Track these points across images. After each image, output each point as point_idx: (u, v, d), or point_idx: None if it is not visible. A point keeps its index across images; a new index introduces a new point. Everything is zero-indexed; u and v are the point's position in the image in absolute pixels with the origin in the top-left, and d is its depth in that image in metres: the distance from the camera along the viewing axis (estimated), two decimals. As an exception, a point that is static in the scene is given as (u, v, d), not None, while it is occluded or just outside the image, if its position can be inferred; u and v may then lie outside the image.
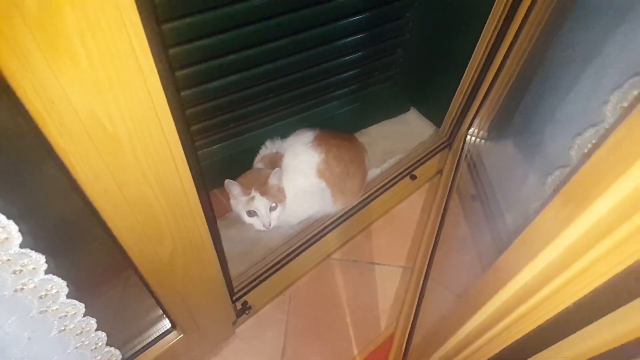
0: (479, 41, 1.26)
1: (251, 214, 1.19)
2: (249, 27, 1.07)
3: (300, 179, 1.26)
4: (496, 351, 0.62)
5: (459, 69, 1.37)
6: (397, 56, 1.52)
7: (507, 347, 0.59)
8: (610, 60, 0.75)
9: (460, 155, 1.48)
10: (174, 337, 1.02)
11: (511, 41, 1.18)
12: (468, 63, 1.33)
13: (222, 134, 1.32)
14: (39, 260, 0.56)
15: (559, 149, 0.87)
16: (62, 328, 0.69)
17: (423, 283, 1.28)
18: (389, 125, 1.68)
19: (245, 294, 1.17)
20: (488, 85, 1.31)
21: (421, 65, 1.54)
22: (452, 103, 1.47)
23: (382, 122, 1.68)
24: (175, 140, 0.56)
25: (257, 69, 1.18)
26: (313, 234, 1.31)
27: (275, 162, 1.26)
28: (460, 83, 1.39)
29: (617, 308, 0.43)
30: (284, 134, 1.35)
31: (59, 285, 0.62)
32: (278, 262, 1.24)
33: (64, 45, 0.38)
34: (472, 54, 1.30)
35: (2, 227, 0.50)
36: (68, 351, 0.74)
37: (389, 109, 1.68)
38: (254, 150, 1.33)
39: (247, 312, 1.19)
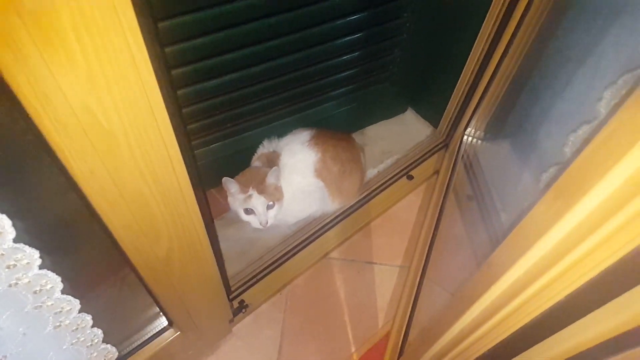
0: (476, 42, 1.26)
1: (248, 212, 1.19)
2: (246, 25, 1.07)
3: (297, 178, 1.26)
4: (489, 346, 0.62)
5: (456, 69, 1.37)
6: (394, 56, 1.52)
7: (501, 342, 0.60)
8: (604, 58, 0.76)
9: (457, 156, 1.49)
10: (170, 335, 1.02)
11: (508, 41, 1.18)
12: (465, 63, 1.33)
13: (219, 133, 1.32)
14: (33, 255, 0.57)
15: (553, 147, 0.87)
16: (58, 324, 0.69)
17: (419, 282, 1.28)
18: (386, 126, 1.68)
19: (242, 292, 1.17)
20: (485, 85, 1.31)
21: (418, 65, 1.54)
22: (449, 103, 1.47)
23: (379, 122, 1.68)
24: (171, 139, 0.56)
25: (254, 68, 1.19)
26: (310, 233, 1.31)
27: (272, 161, 1.26)
28: (458, 83, 1.39)
29: (607, 301, 0.43)
30: (281, 134, 1.35)
31: (54, 281, 0.62)
32: (275, 261, 1.24)
33: (59, 40, 0.39)
34: (469, 54, 1.30)
35: (-5, 222, 0.50)
36: (64, 347, 0.74)
37: (386, 109, 1.68)
38: (251, 150, 1.33)
39: (243, 310, 1.20)
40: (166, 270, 0.77)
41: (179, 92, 1.11)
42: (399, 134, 1.64)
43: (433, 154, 1.55)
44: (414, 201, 1.57)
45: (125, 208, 0.60)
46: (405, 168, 1.49)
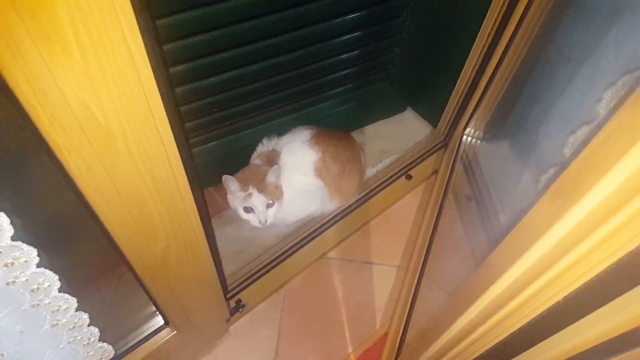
0: (476, 41, 1.26)
1: (248, 210, 1.19)
2: (244, 23, 1.07)
3: (297, 177, 1.26)
4: (487, 347, 0.62)
5: (455, 69, 1.37)
6: (393, 55, 1.52)
7: (498, 343, 0.60)
8: (604, 59, 0.76)
9: (456, 156, 1.49)
10: (167, 334, 1.02)
11: (508, 41, 1.18)
12: (465, 63, 1.33)
13: (217, 131, 1.32)
14: (31, 253, 0.56)
15: (553, 148, 0.87)
16: (55, 322, 0.69)
17: (417, 282, 1.28)
18: (386, 125, 1.68)
19: (239, 292, 1.17)
20: (484, 85, 1.31)
21: (418, 64, 1.54)
22: (448, 103, 1.47)
23: (378, 122, 1.68)
24: (169, 136, 0.56)
25: (253, 66, 1.18)
26: (308, 232, 1.31)
27: (272, 159, 1.26)
28: (457, 83, 1.39)
29: (606, 303, 0.43)
30: (280, 132, 1.35)
31: (51, 279, 0.62)
32: (273, 261, 1.23)
33: (56, 36, 0.39)
34: (469, 54, 1.30)
35: (-7, 220, 0.50)
36: (61, 346, 0.74)
37: (386, 109, 1.68)
38: (249, 148, 1.32)
39: (240, 310, 1.19)
40: (163, 268, 0.77)
41: (177, 89, 1.11)
42: (398, 133, 1.64)
43: (432, 153, 1.55)
44: (412, 201, 1.57)
45: (122, 206, 0.59)
46: (404, 168, 1.49)
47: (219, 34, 1.06)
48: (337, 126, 1.41)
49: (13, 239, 0.53)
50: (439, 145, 1.56)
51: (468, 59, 1.31)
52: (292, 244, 1.27)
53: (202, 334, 1.14)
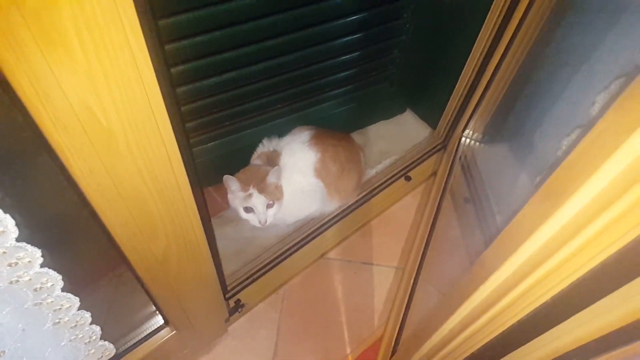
0: (476, 44, 1.26)
1: (248, 210, 1.20)
2: (246, 24, 1.08)
3: (297, 177, 1.26)
4: (479, 346, 0.63)
5: (455, 71, 1.38)
6: (393, 57, 1.53)
7: (488, 342, 0.60)
8: (599, 62, 0.77)
9: (454, 157, 1.49)
10: (166, 334, 1.02)
11: (507, 44, 1.19)
12: (464, 65, 1.34)
13: (217, 131, 1.33)
14: (35, 253, 0.57)
15: (548, 151, 0.88)
16: (57, 321, 0.70)
17: (413, 283, 1.29)
18: (385, 126, 1.68)
19: (238, 292, 1.18)
20: (484, 87, 1.32)
21: (418, 66, 1.55)
22: (448, 105, 1.48)
23: (378, 123, 1.68)
24: (170, 137, 0.56)
25: (254, 66, 1.19)
26: (307, 233, 1.31)
27: (272, 159, 1.27)
28: (457, 85, 1.40)
29: (593, 302, 0.44)
30: (280, 133, 1.35)
31: (54, 279, 0.63)
32: (272, 261, 1.24)
33: (60, 38, 0.39)
34: (468, 56, 1.31)
35: (-1, 221, 0.51)
36: (62, 344, 0.75)
37: (385, 110, 1.68)
38: (249, 149, 1.33)
39: (239, 310, 1.20)
40: (163, 268, 0.77)
41: (178, 89, 1.11)
42: (398, 134, 1.65)
43: (431, 155, 1.55)
44: (411, 202, 1.57)
45: (123, 206, 0.60)
46: (403, 169, 1.50)
47: (220, 35, 1.06)
48: (338, 127, 1.42)
49: (18, 239, 0.54)
50: (438, 147, 1.56)
51: (467, 61, 1.32)
52: (291, 244, 1.28)
53: (201, 333, 1.14)
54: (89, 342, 0.80)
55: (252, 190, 1.17)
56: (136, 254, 0.70)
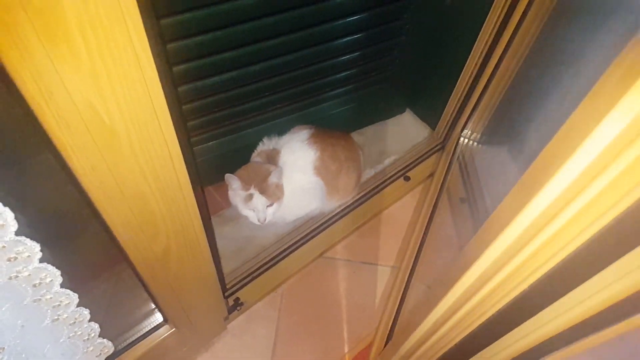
0: (475, 45, 1.27)
1: (248, 207, 1.21)
2: (247, 24, 1.08)
3: (297, 175, 1.27)
4: (461, 337, 0.64)
5: (454, 71, 1.38)
6: (393, 57, 1.53)
7: (471, 332, 0.61)
8: (596, 62, 0.77)
9: (452, 158, 1.50)
10: (165, 331, 1.02)
11: (506, 45, 1.19)
12: (464, 66, 1.34)
13: (218, 130, 1.33)
14: (34, 248, 0.57)
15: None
16: (56, 317, 0.70)
17: (407, 281, 1.29)
18: (385, 126, 1.69)
19: (237, 290, 1.18)
20: (482, 88, 1.32)
21: (417, 67, 1.55)
22: (447, 105, 1.48)
23: (377, 123, 1.69)
24: (172, 136, 0.56)
25: (254, 66, 1.19)
26: (306, 232, 1.31)
27: (272, 158, 1.27)
28: (456, 86, 1.40)
29: (568, 292, 0.45)
30: (280, 132, 1.35)
31: (53, 274, 0.63)
32: (271, 260, 1.24)
33: (63, 35, 0.39)
34: (468, 57, 1.31)
35: (-2, 214, 0.51)
36: (61, 340, 0.75)
37: (385, 110, 1.68)
38: (250, 148, 1.33)
39: (238, 308, 1.20)
40: (163, 267, 0.77)
41: (179, 89, 1.11)
42: (397, 134, 1.65)
43: (430, 155, 1.56)
44: (410, 202, 1.58)
45: (125, 204, 0.60)
46: (402, 169, 1.50)
47: (222, 34, 1.06)
48: (337, 127, 1.42)
49: (17, 233, 0.54)
50: (437, 147, 1.57)
51: (467, 62, 1.32)
52: (290, 243, 1.28)
53: (200, 331, 1.14)
54: (88, 339, 0.80)
55: (253, 190, 1.18)
56: (136, 252, 0.70)
